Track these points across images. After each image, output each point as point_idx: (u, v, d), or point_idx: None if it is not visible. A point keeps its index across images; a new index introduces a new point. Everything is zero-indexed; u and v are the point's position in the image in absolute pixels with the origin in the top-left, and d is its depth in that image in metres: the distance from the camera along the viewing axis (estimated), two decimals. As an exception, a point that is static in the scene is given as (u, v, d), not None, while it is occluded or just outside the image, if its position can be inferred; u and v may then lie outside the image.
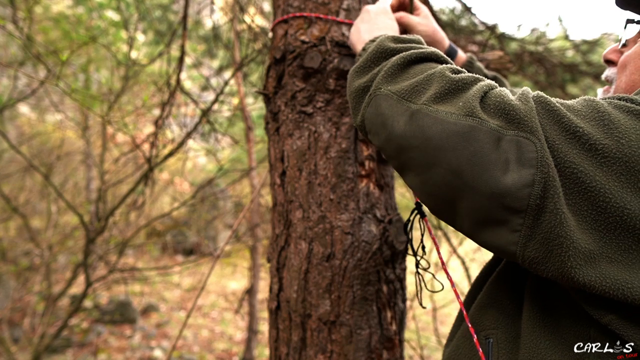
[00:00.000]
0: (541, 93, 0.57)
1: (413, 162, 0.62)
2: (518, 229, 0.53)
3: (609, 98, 0.57)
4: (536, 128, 0.52)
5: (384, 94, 0.68)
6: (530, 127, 0.53)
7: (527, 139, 0.52)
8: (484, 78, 0.64)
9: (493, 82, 0.63)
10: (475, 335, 0.67)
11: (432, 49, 0.73)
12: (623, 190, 0.49)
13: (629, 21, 0.72)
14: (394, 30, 0.92)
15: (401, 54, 0.71)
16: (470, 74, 0.64)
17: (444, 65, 0.67)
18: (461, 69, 0.67)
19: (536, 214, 0.51)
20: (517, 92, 0.59)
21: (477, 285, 0.76)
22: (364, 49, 0.82)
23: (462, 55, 1.13)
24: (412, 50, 0.71)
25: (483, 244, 0.60)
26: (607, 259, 0.50)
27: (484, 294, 0.71)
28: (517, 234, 0.53)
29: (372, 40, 0.82)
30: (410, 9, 1.06)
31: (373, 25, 0.92)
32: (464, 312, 0.71)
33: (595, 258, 0.51)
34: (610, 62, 0.76)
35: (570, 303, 0.57)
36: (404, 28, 1.04)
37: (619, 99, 0.55)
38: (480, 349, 0.65)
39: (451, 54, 1.11)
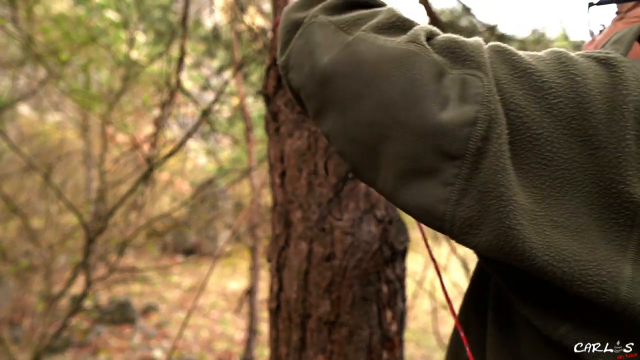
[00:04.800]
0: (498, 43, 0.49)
1: (337, 95, 0.51)
2: (451, 182, 0.43)
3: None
4: (484, 62, 0.45)
5: (320, 22, 0.56)
6: (478, 61, 0.45)
7: (473, 75, 0.44)
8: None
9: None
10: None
11: (390, 6, 0.62)
12: (573, 139, 0.42)
13: (590, 4, 0.64)
14: None
15: None
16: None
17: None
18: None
19: (475, 161, 0.42)
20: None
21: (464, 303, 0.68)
22: None
23: None
24: None
25: (405, 205, 0.48)
26: (551, 223, 0.42)
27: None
28: (449, 188, 0.43)
29: None
30: None
31: None
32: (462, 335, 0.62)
33: (537, 219, 0.42)
34: None
35: (529, 324, 0.50)
36: None
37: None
38: None
39: None
